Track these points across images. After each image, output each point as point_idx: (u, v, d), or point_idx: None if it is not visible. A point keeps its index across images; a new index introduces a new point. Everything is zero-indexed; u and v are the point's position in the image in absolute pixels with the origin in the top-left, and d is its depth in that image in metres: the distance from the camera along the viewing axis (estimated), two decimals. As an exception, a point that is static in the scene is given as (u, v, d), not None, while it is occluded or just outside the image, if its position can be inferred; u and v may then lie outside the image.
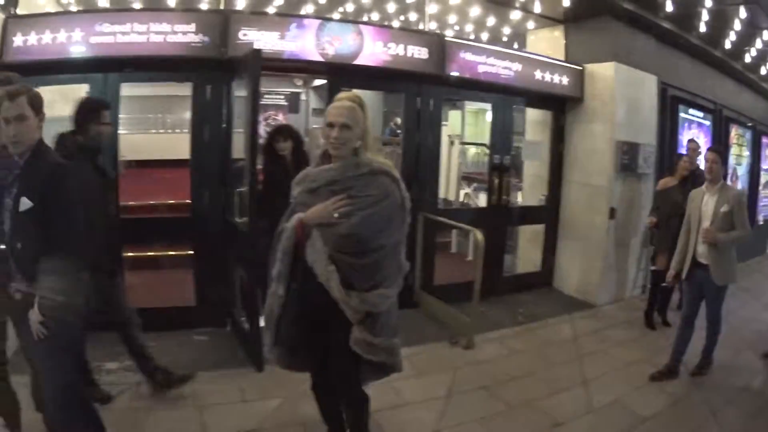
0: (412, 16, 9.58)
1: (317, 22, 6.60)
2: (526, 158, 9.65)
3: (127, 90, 6.22)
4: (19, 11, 6.13)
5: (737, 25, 8.57)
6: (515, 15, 8.72)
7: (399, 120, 9.78)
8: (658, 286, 7.06)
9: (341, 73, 6.88)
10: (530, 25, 9.31)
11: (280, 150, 6.03)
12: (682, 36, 9.13)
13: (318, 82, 13.95)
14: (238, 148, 6.05)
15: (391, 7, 9.05)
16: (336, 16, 9.13)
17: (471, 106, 14.13)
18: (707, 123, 11.15)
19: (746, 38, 9.30)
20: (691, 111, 10.54)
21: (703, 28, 8.74)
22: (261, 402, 4.86)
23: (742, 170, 12.94)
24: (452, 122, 13.63)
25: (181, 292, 6.67)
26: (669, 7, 7.80)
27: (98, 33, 5.85)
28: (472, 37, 10.07)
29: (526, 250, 9.66)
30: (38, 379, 3.62)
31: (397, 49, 6.95)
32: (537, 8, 8.26)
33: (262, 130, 7.84)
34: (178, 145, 8.23)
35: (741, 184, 12.69)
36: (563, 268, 9.07)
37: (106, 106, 4.47)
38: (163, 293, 6.84)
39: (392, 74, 7.13)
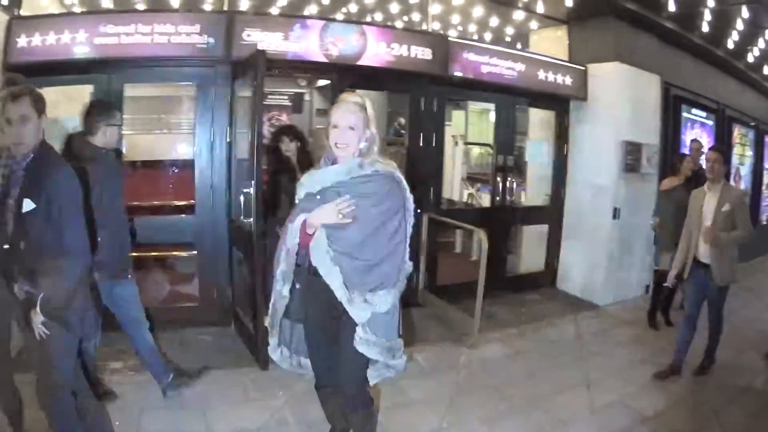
0: (416, 17, 9.57)
1: (321, 22, 6.62)
2: (530, 158, 9.67)
3: (130, 91, 6.23)
4: (23, 12, 6.13)
5: (740, 25, 8.55)
6: (518, 15, 8.74)
7: (403, 120, 9.79)
8: (662, 286, 7.06)
9: (345, 74, 6.89)
10: (533, 25, 9.32)
11: (285, 150, 6.04)
12: (684, 36, 9.12)
13: (322, 82, 13.90)
14: (242, 148, 6.07)
15: (395, 8, 9.07)
16: (339, 16, 9.14)
17: (475, 106, 14.11)
18: (710, 123, 11.16)
19: (749, 38, 9.28)
20: (694, 111, 10.55)
21: (705, 28, 8.73)
22: (265, 401, 4.88)
23: (745, 170, 12.93)
24: (456, 122, 13.62)
25: (186, 292, 6.69)
26: (672, 7, 7.78)
27: (102, 34, 5.86)
28: (475, 37, 10.08)
29: (530, 250, 9.64)
30: None
31: (401, 50, 6.96)
32: (540, 8, 8.28)
33: (266, 130, 7.85)
34: (182, 145, 8.25)
35: (744, 184, 12.70)
36: (567, 268, 9.07)
37: (117, 108, 4.48)
38: (167, 293, 6.85)
39: (396, 74, 7.14)
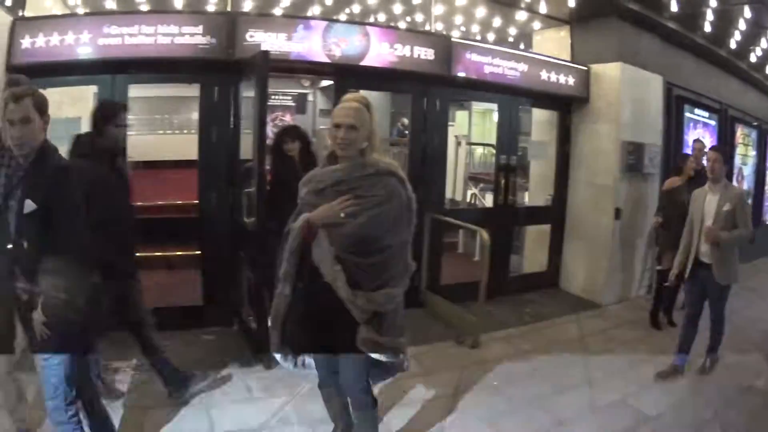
0: (419, 18, 9.60)
1: (324, 23, 6.63)
2: (533, 158, 9.68)
3: (134, 91, 6.25)
4: (27, 14, 6.15)
5: (742, 25, 8.56)
6: (521, 16, 8.75)
7: (406, 120, 9.81)
8: (664, 285, 7.08)
9: (348, 74, 6.92)
10: (536, 25, 9.33)
11: (288, 151, 6.04)
12: (687, 36, 9.13)
13: (325, 83, 13.96)
14: (246, 148, 6.09)
15: (398, 9, 9.08)
16: (342, 17, 9.17)
17: (478, 106, 14.14)
18: (712, 123, 11.16)
19: (751, 38, 9.29)
20: (697, 111, 10.56)
21: (708, 28, 8.75)
22: (268, 400, 4.90)
23: (748, 170, 12.93)
24: (459, 122, 13.64)
25: (189, 291, 6.71)
26: (674, 7, 7.79)
27: (106, 35, 5.88)
28: (478, 38, 10.10)
29: (533, 250, 9.67)
30: None
31: (404, 50, 6.97)
32: (543, 9, 8.29)
33: (270, 130, 7.87)
34: (185, 146, 8.27)
35: (747, 184, 12.70)
36: (569, 268, 9.08)
37: (124, 108, 4.49)
38: (170, 293, 6.87)
39: (399, 75, 7.15)
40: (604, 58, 8.46)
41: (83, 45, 5.85)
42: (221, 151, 6.44)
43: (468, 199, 11.70)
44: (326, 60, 6.61)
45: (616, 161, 8.31)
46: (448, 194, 10.23)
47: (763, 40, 9.45)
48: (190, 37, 6.05)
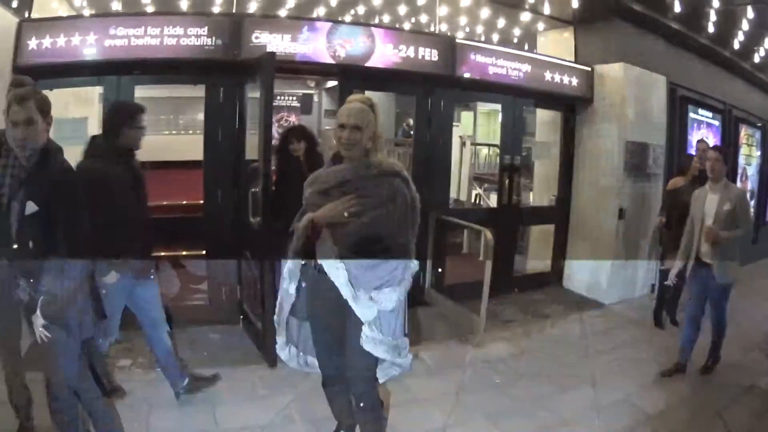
0: (423, 19, 9.63)
1: (329, 25, 6.66)
2: (537, 159, 9.71)
3: (140, 92, 6.28)
4: (33, 15, 6.18)
5: (745, 26, 8.58)
6: (525, 17, 8.77)
7: (411, 121, 9.83)
8: (665, 285, 7.10)
9: (353, 75, 6.96)
10: (540, 26, 9.36)
11: (294, 151, 6.06)
12: (690, 36, 9.14)
13: (331, 83, 13.95)
14: (251, 149, 6.12)
15: (402, 10, 9.11)
16: (347, 18, 9.20)
17: (483, 107, 14.16)
18: (716, 123, 11.15)
19: (755, 38, 9.31)
20: (701, 111, 10.55)
21: (711, 29, 8.77)
22: (272, 398, 4.93)
23: (752, 170, 12.92)
24: (464, 123, 13.65)
25: (195, 290, 6.74)
26: (677, 8, 7.82)
27: (112, 36, 5.91)
28: (482, 38, 10.12)
29: (537, 250, 9.69)
30: None
31: (408, 51, 7.00)
32: (546, 10, 8.31)
33: (275, 131, 7.89)
34: (191, 146, 8.29)
35: (750, 184, 12.69)
36: (573, 268, 9.09)
37: (141, 110, 4.51)
38: (176, 292, 6.90)
39: (403, 76, 7.19)
40: (607, 58, 8.48)
41: (89, 46, 5.88)
42: (226, 151, 6.47)
43: (473, 199, 11.71)
44: (331, 61, 6.65)
45: (620, 161, 8.32)
46: (453, 194, 10.24)
47: (766, 41, 9.47)
48: (196, 38, 6.08)
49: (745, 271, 5.81)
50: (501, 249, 7.68)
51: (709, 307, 5.75)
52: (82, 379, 3.55)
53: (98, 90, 6.99)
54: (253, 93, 6.07)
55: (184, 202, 8.17)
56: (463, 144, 11.51)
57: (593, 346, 6.70)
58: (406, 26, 9.83)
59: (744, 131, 12.38)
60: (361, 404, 3.59)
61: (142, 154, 4.55)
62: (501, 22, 9.38)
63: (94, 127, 6.37)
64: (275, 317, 3.62)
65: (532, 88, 8.19)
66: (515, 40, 10.19)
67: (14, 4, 5.78)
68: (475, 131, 13.77)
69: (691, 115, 10.19)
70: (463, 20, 9.43)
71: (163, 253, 7.32)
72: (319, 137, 8.47)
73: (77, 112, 6.54)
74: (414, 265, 3.48)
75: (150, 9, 8.16)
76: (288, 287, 3.48)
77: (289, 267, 3.44)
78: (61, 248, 3.16)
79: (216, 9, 8.33)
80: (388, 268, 3.29)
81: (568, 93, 8.55)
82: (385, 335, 3.31)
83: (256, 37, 6.28)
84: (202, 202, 6.62)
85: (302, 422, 4.58)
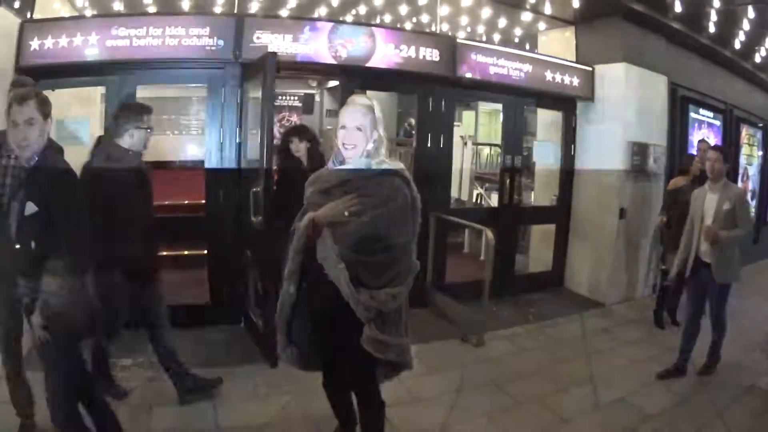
0: (424, 18, 9.64)
1: (330, 25, 6.69)
2: (538, 158, 9.71)
3: (142, 92, 6.30)
4: (35, 16, 6.19)
5: (746, 25, 8.58)
6: (526, 16, 8.78)
7: (413, 121, 9.86)
8: (665, 285, 7.11)
9: (354, 75, 6.96)
10: (541, 26, 9.37)
11: (295, 150, 6.07)
12: (691, 36, 9.14)
13: (332, 83, 13.99)
14: (253, 148, 6.13)
15: (404, 10, 9.12)
16: (349, 18, 9.21)
17: (485, 106, 14.18)
18: (717, 123, 11.15)
19: (756, 38, 9.31)
20: (702, 111, 10.55)
21: (712, 29, 8.77)
22: (273, 397, 4.95)
23: (753, 170, 12.91)
24: (466, 123, 13.66)
25: (196, 290, 6.75)
26: (678, 8, 7.83)
27: (114, 37, 5.94)
28: (483, 38, 10.14)
29: (538, 250, 9.70)
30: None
31: (409, 51, 7.02)
32: (547, 10, 8.32)
33: (277, 131, 7.90)
34: (192, 146, 8.32)
35: (752, 184, 12.69)
36: (574, 268, 9.09)
37: (149, 111, 4.52)
38: (177, 291, 6.92)
39: (404, 76, 7.20)
40: (608, 58, 8.48)
41: (91, 46, 5.91)
42: (228, 151, 6.49)
43: (474, 199, 11.72)
44: (332, 61, 6.67)
45: (621, 161, 8.33)
46: (454, 194, 10.26)
47: (767, 41, 9.46)
48: (198, 38, 6.11)
49: (746, 271, 5.81)
50: (502, 249, 7.70)
51: (709, 306, 5.76)
52: (81, 379, 3.57)
53: (100, 90, 7.00)
54: (255, 93, 6.09)
55: (186, 202, 8.20)
56: (464, 144, 11.52)
57: (593, 345, 6.72)
58: (408, 26, 9.85)
59: (745, 131, 12.38)
60: (362, 404, 3.61)
61: (144, 154, 4.56)
62: (502, 22, 9.40)
63: (96, 128, 6.39)
64: (276, 317, 3.62)
65: (533, 88, 8.20)
66: (516, 40, 10.20)
67: (16, 5, 5.79)
68: (477, 131, 13.77)
69: (692, 114, 10.19)
70: (464, 20, 9.44)
71: (165, 253, 7.36)
72: (320, 137, 8.49)
73: (79, 113, 6.55)
74: (415, 264, 3.48)
75: (152, 9, 8.18)
76: (289, 287, 3.47)
77: (290, 267, 3.43)
78: (60, 249, 3.17)
79: (218, 9, 8.35)
80: (389, 267, 3.29)
81: (569, 93, 8.56)
82: (385, 335, 3.30)
83: (258, 38, 6.30)
84: (203, 201, 6.63)
85: (303, 420, 4.60)
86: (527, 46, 9.82)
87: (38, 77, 5.41)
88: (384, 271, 3.28)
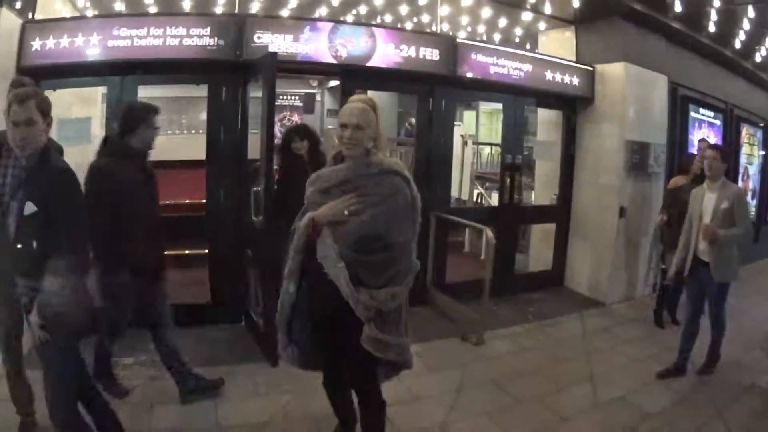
0: (425, 18, 9.65)
1: (330, 25, 6.69)
2: (538, 158, 9.72)
3: (143, 92, 6.31)
4: (37, 16, 6.20)
5: (747, 25, 8.59)
6: (526, 16, 8.77)
7: (414, 120, 9.88)
8: (664, 284, 7.13)
9: (354, 75, 6.98)
10: (541, 26, 9.37)
11: (297, 149, 6.07)
12: (692, 36, 9.14)
13: (333, 83, 14.00)
14: (254, 148, 6.14)
15: (404, 10, 9.13)
16: (349, 18, 9.22)
17: (486, 106, 14.19)
18: (718, 122, 11.15)
19: (756, 37, 9.31)
20: (702, 110, 10.54)
21: (712, 28, 8.77)
22: (274, 396, 4.97)
23: (754, 169, 12.92)
24: (467, 122, 13.66)
25: (197, 289, 6.77)
26: (678, 8, 7.83)
27: (115, 37, 5.95)
28: (484, 38, 10.15)
29: (538, 249, 9.72)
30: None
31: (409, 51, 7.03)
32: (548, 9, 8.32)
33: (278, 130, 7.92)
34: (194, 146, 8.33)
35: (752, 184, 12.69)
36: (574, 267, 9.11)
37: (156, 111, 4.53)
38: (178, 291, 6.93)
39: (405, 75, 7.22)
40: (608, 58, 8.49)
41: (92, 47, 5.92)
42: (229, 150, 6.50)
43: (474, 198, 11.73)
44: (333, 61, 6.68)
45: (621, 160, 8.33)
46: (455, 193, 10.26)
47: (767, 40, 9.47)
48: (199, 38, 6.12)
49: (746, 270, 5.82)
50: (502, 248, 7.71)
51: (708, 305, 5.77)
52: (80, 378, 3.58)
53: (101, 90, 7.01)
54: (256, 93, 6.10)
55: (187, 201, 8.21)
56: (464, 143, 11.52)
57: (593, 344, 6.73)
58: (408, 26, 9.86)
59: (745, 130, 12.38)
60: (363, 403, 3.62)
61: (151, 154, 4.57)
62: (502, 22, 9.40)
63: (98, 128, 6.41)
64: (276, 316, 3.63)
65: (534, 88, 8.21)
66: (517, 40, 10.21)
67: (18, 6, 5.80)
68: (478, 130, 13.77)
69: (692, 114, 10.18)
70: (464, 20, 9.44)
71: (166, 252, 7.37)
72: (321, 136, 8.51)
73: (80, 113, 6.57)
74: (415, 264, 3.50)
75: (153, 10, 8.19)
76: (288, 286, 3.49)
77: (290, 266, 3.45)
78: (60, 248, 3.16)
79: (218, 9, 8.36)
80: (389, 266, 3.31)
81: (570, 92, 8.58)
82: (385, 334, 3.31)
83: (259, 38, 6.32)
84: (204, 201, 6.64)
85: (303, 419, 4.62)
86: (527, 46, 9.83)
87: (40, 77, 5.42)
88: (384, 270, 3.29)
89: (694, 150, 8.78)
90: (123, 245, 4.13)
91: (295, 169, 5.88)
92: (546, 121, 9.52)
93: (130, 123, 4.37)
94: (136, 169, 4.37)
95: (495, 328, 6.92)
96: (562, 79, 8.37)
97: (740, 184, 11.51)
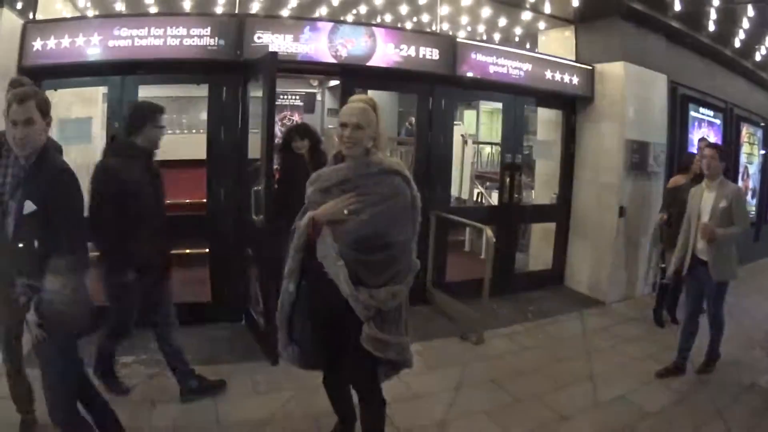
0: (425, 18, 9.65)
1: (330, 24, 6.71)
2: (538, 157, 9.73)
3: (144, 92, 6.32)
4: (38, 17, 6.22)
5: (746, 24, 8.60)
6: (526, 16, 8.78)
7: (414, 120, 9.89)
8: (663, 283, 7.13)
9: (354, 75, 7.00)
10: (541, 25, 9.37)
11: (297, 149, 6.08)
12: (691, 35, 9.14)
13: (333, 82, 14.01)
14: (254, 148, 6.15)
15: (404, 9, 9.14)
16: (349, 18, 9.23)
17: (486, 105, 14.20)
18: (718, 122, 11.15)
19: (756, 37, 9.32)
20: (702, 110, 10.54)
21: (712, 27, 8.78)
22: (274, 394, 4.98)
23: (754, 169, 12.92)
24: (467, 121, 13.66)
25: (198, 288, 6.78)
26: (678, 7, 7.84)
27: (116, 37, 5.97)
28: (484, 37, 10.15)
29: (538, 248, 9.73)
30: None
31: (409, 51, 7.04)
32: (547, 9, 8.32)
33: (278, 130, 7.92)
34: (194, 145, 8.34)
35: (752, 183, 12.69)
36: (574, 266, 9.12)
37: (162, 110, 4.54)
38: (179, 289, 6.94)
39: (404, 75, 7.22)
40: (608, 57, 8.50)
41: (93, 47, 5.94)
42: (229, 150, 6.51)
43: (474, 198, 11.74)
44: (333, 60, 6.69)
45: (621, 160, 8.33)
46: (455, 193, 10.27)
47: (767, 39, 9.47)
48: (199, 38, 6.14)
49: (746, 269, 5.82)
50: (502, 247, 7.72)
51: (706, 304, 5.78)
52: (79, 377, 3.59)
53: (102, 90, 7.03)
54: (256, 92, 6.12)
55: (188, 201, 8.22)
56: (465, 142, 11.53)
57: (593, 343, 6.73)
58: (408, 26, 9.86)
59: (745, 130, 12.38)
60: (363, 402, 3.63)
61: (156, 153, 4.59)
62: (502, 21, 9.41)
63: (98, 128, 6.42)
64: (277, 315, 3.65)
65: (533, 87, 8.22)
66: (516, 39, 10.21)
67: (19, 6, 5.81)
68: (478, 130, 13.77)
69: (692, 113, 10.18)
70: (464, 19, 9.45)
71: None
72: (322, 135, 8.53)
73: (81, 113, 6.58)
74: (415, 263, 3.51)
75: (153, 10, 8.20)
76: (289, 285, 3.50)
77: (290, 265, 3.46)
78: (59, 248, 3.15)
79: (219, 9, 8.36)
80: (388, 266, 3.32)
81: (569, 91, 8.59)
82: (384, 334, 3.32)
83: (259, 37, 6.33)
84: (205, 200, 6.65)
85: (303, 417, 4.63)
86: (527, 46, 9.84)
87: (41, 77, 5.45)
88: (383, 269, 3.30)
89: (694, 149, 8.77)
90: (129, 244, 4.15)
91: (296, 168, 5.89)
92: (546, 120, 9.53)
93: (136, 122, 4.39)
94: (142, 169, 4.38)
95: (495, 327, 6.93)
96: (562, 79, 8.38)
97: (740, 183, 11.52)
